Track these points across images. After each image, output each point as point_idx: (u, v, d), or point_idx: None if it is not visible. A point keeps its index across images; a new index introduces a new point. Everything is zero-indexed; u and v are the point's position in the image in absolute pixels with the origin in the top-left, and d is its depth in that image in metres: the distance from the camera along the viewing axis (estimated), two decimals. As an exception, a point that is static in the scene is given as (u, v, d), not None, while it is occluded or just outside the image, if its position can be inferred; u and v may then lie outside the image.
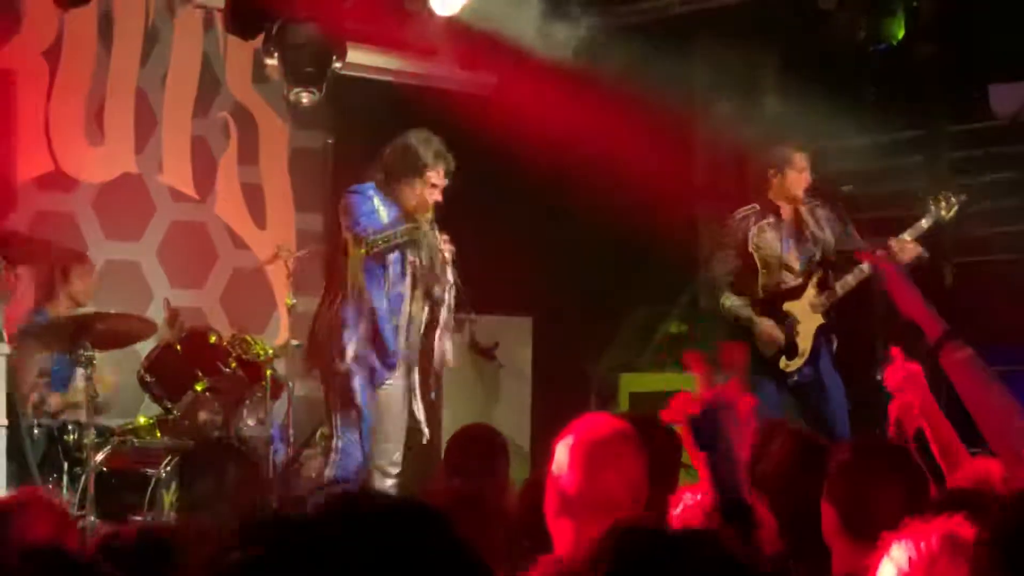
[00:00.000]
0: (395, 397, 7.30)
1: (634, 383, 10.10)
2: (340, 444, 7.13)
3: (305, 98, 8.57)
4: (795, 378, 8.10)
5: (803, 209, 8.21)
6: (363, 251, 7.04)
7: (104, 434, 7.77)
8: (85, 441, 7.41)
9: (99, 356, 7.61)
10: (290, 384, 8.27)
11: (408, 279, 7.25)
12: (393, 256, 7.17)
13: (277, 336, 9.43)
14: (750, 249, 8.18)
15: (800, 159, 8.25)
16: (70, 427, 7.69)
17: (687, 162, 10.26)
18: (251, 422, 8.26)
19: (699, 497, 3.32)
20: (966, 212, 8.67)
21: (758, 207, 8.26)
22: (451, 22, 9.03)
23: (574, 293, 10.36)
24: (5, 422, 6.93)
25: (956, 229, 9.86)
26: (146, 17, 9.59)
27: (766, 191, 8.29)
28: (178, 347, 8.05)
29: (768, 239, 8.21)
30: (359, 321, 7.12)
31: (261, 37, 8.58)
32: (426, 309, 7.33)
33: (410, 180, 7.21)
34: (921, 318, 3.60)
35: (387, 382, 7.27)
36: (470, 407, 9.89)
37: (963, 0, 8.99)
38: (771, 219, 8.23)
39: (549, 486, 3.50)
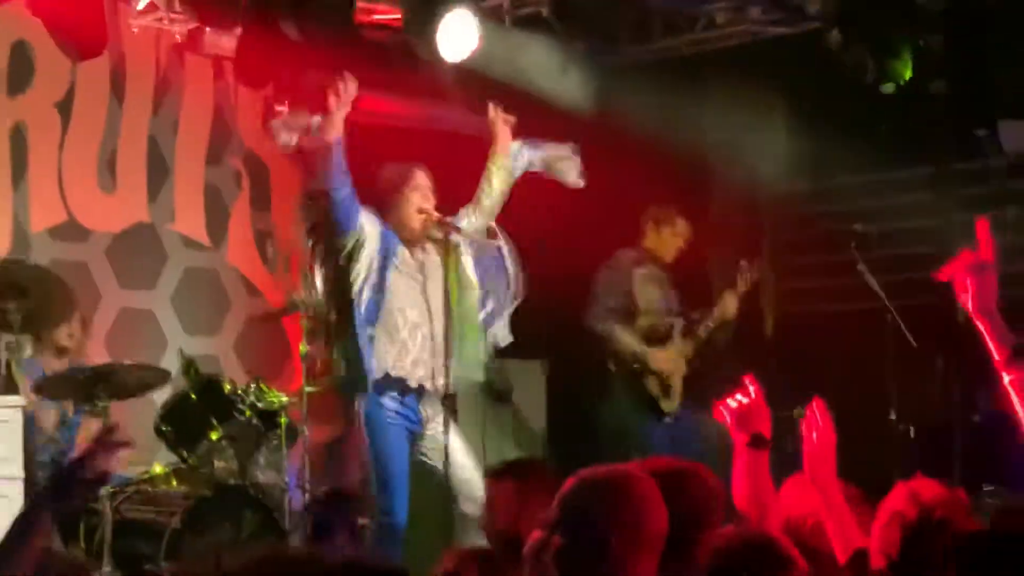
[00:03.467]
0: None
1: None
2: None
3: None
4: (670, 418, 8.32)
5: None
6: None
7: (120, 484, 7.76)
8: (101, 492, 7.39)
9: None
10: (304, 431, 8.26)
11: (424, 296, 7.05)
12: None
13: (291, 383, 9.43)
14: (635, 291, 8.38)
15: (680, 225, 8.50)
16: (86, 477, 7.66)
17: (699, 204, 10.26)
18: (267, 470, 8.26)
19: None
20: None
21: (634, 254, 8.49)
22: (460, 68, 9.06)
23: (587, 336, 10.34)
24: (23, 475, 6.94)
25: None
26: (157, 66, 9.64)
27: (642, 239, 8.52)
28: (193, 396, 8.05)
29: (649, 287, 8.42)
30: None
31: (271, 85, 8.63)
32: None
33: (403, 196, 7.02)
34: (993, 328, 3.48)
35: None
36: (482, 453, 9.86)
37: (970, 37, 9.00)
38: (649, 267, 8.46)
39: None
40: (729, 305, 8.47)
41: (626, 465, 3.79)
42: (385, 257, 6.91)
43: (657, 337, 8.45)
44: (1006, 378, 3.38)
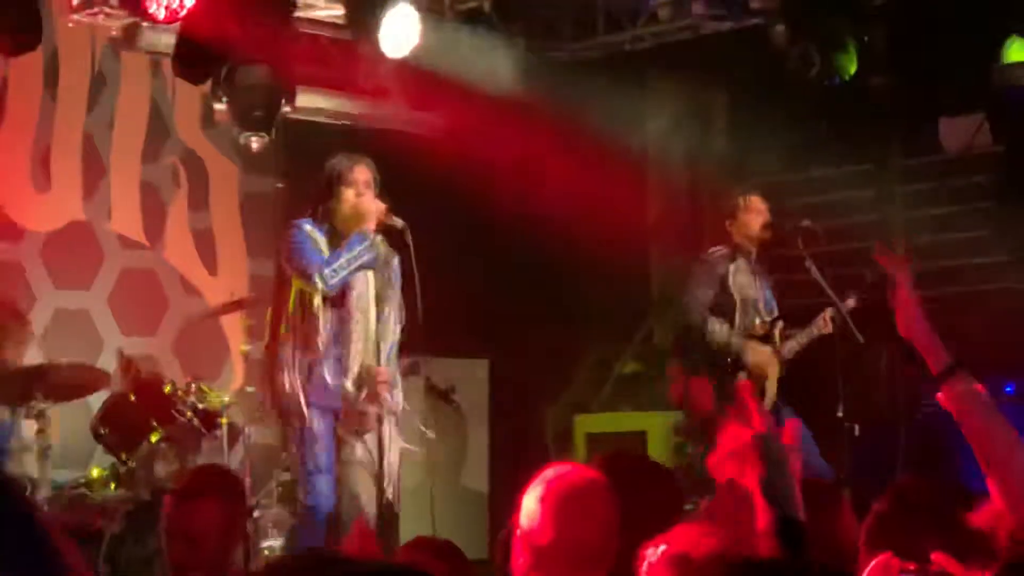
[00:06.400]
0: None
1: (589, 424, 10.07)
2: (307, 500, 6.87)
3: (255, 142, 8.51)
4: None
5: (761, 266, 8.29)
6: (319, 290, 6.77)
7: (57, 488, 7.63)
8: (38, 497, 7.26)
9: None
10: (246, 432, 8.16)
11: (363, 302, 6.95)
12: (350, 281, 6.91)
13: (232, 383, 9.33)
14: (730, 287, 8.20)
15: (749, 201, 8.29)
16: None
17: (640, 200, 10.25)
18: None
19: (661, 550, 3.23)
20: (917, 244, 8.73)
21: (727, 249, 8.28)
22: (402, 64, 8.99)
23: (530, 334, 10.31)
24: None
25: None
26: (92, 62, 9.50)
27: (730, 237, 8.32)
28: (132, 397, 7.93)
29: (743, 281, 8.23)
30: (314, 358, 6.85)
31: (210, 82, 8.51)
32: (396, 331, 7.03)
33: (337, 193, 6.90)
34: (926, 346, 3.46)
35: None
36: (427, 451, 9.80)
37: (913, 35, 9.03)
38: (741, 262, 8.25)
39: (519, 540, 3.44)
40: (827, 321, 8.22)
41: (583, 464, 3.75)
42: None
43: (755, 336, 8.25)
44: (944, 394, 3.36)
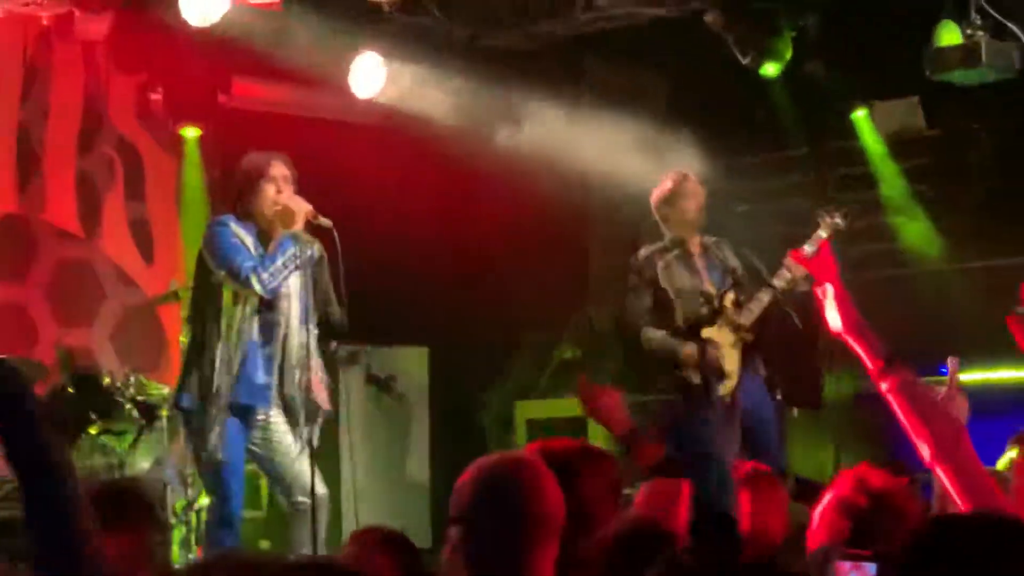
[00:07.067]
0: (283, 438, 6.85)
1: (529, 410, 10.09)
2: (222, 500, 6.70)
3: (191, 132, 8.47)
4: (727, 401, 8.03)
5: (708, 240, 8.18)
6: (256, 293, 6.70)
7: (-5, 482, 7.58)
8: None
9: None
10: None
11: (290, 299, 6.83)
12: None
13: (170, 374, 9.27)
14: (662, 285, 8.09)
15: (685, 185, 8.17)
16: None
17: (578, 186, 10.26)
18: (146, 464, 8.11)
19: None
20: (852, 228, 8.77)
21: (661, 244, 8.18)
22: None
23: (470, 321, 10.31)
24: None
25: (843, 246, 9.98)
26: (25, 52, 9.42)
27: (666, 226, 8.20)
28: (70, 390, 7.88)
29: (677, 272, 8.12)
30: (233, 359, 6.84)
31: (144, 72, 8.47)
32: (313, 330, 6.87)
33: (257, 188, 6.76)
34: (862, 341, 3.46)
35: (271, 422, 6.82)
36: (368, 441, 9.81)
37: (846, 21, 9.09)
38: (676, 252, 8.13)
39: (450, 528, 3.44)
40: (794, 267, 8.06)
41: (519, 451, 3.76)
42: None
43: (702, 319, 8.16)
44: (883, 387, 3.36)
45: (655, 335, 7.99)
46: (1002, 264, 8.85)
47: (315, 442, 6.79)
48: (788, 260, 7.88)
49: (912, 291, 9.29)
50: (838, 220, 8.00)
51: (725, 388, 8.00)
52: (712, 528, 3.26)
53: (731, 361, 8.01)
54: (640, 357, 8.11)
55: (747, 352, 8.05)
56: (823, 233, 8.01)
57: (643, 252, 8.15)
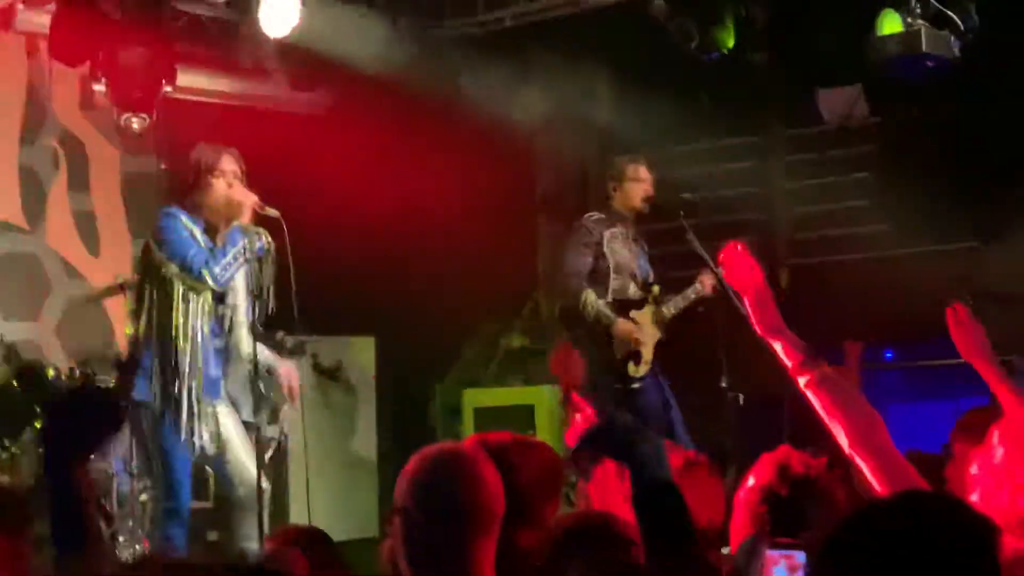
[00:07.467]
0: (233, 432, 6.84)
1: (477, 398, 10.10)
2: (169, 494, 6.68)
3: (136, 123, 8.42)
4: (638, 384, 8.25)
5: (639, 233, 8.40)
6: (209, 286, 6.67)
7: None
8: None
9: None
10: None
11: (237, 292, 6.82)
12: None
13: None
14: (605, 253, 8.29)
15: (636, 170, 8.39)
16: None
17: (526, 176, 10.28)
18: (93, 456, 8.05)
19: None
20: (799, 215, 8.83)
21: (604, 216, 8.37)
22: (282, 43, 8.95)
23: (417, 310, 10.31)
24: None
25: (790, 232, 10.04)
26: (-35, 44, 9.35)
27: (610, 203, 8.42)
28: (14, 383, 7.83)
29: (618, 247, 8.34)
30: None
31: (88, 63, 8.41)
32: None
33: (207, 182, 6.73)
34: (780, 339, 3.53)
35: (218, 413, 6.78)
36: (316, 430, 9.79)
37: (791, 7, 9.13)
38: (619, 228, 8.36)
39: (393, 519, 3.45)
40: (705, 283, 8.31)
41: (458, 442, 3.76)
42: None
43: (631, 300, 8.32)
44: (801, 382, 3.43)
45: (596, 300, 8.17)
46: (948, 249, 8.95)
47: (266, 434, 6.79)
48: (704, 275, 8.18)
49: (864, 276, 9.34)
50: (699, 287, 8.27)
51: (640, 371, 8.22)
52: (657, 500, 3.27)
53: (648, 349, 8.25)
54: (573, 316, 8.28)
55: (657, 348, 8.28)
56: (691, 295, 8.29)
57: (593, 216, 8.36)
